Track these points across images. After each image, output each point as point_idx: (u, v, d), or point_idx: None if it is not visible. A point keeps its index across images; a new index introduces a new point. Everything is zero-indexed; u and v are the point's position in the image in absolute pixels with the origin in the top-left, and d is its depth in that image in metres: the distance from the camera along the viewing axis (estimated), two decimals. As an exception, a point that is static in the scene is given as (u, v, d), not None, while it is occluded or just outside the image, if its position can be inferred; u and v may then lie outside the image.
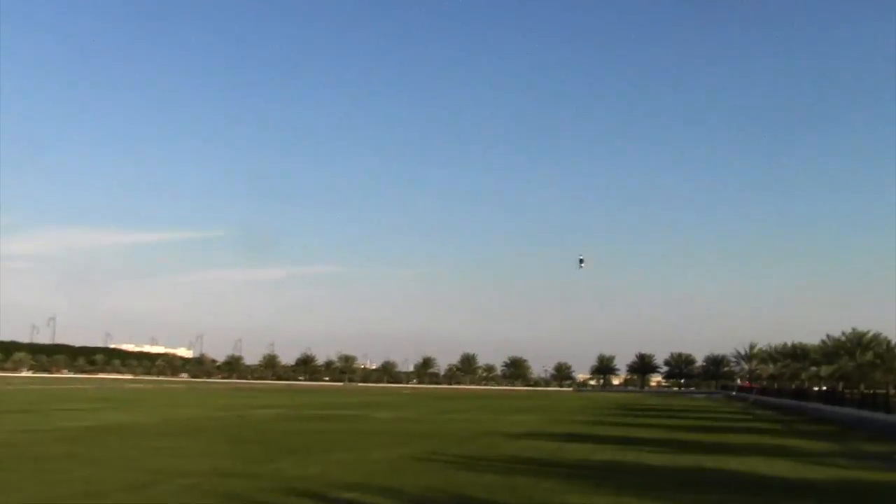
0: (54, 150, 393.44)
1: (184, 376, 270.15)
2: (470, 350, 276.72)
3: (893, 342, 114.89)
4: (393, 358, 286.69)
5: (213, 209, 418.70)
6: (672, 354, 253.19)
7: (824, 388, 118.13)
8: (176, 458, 31.53)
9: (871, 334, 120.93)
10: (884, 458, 37.37)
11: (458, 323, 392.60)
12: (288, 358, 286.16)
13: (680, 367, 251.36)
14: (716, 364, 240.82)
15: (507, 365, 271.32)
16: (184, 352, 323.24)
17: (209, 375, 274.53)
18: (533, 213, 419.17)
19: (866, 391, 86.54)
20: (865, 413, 69.32)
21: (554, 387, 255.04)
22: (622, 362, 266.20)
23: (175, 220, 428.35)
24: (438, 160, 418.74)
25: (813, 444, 45.78)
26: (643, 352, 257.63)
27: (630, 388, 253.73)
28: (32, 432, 42.67)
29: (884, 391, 79.16)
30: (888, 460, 36.72)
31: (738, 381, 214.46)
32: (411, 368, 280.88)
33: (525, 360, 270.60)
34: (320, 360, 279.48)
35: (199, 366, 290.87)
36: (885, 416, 63.50)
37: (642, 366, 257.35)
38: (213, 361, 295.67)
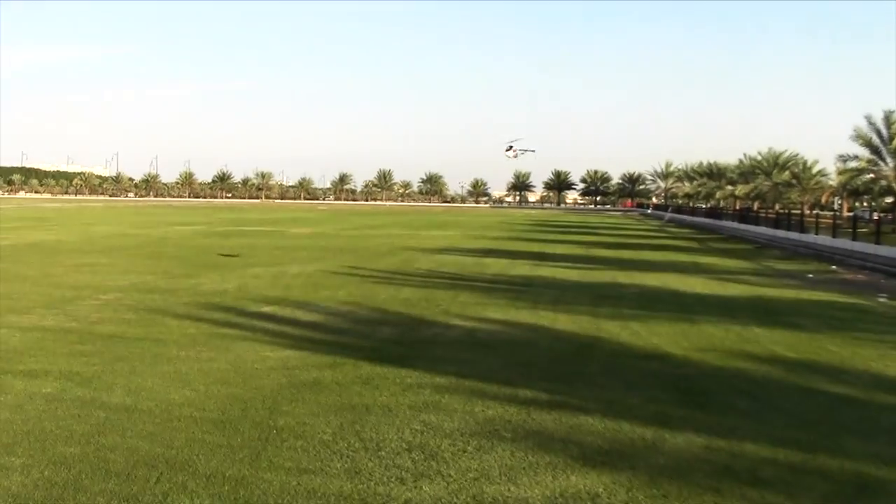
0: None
1: (102, 196, 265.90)
2: (386, 167, 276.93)
3: (809, 162, 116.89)
4: (310, 175, 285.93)
5: (123, 23, 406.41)
6: (588, 172, 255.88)
7: (740, 207, 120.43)
8: (96, 275, 31.17)
9: (787, 153, 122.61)
10: (795, 276, 38.34)
11: (374, 139, 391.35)
12: (205, 175, 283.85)
13: (596, 184, 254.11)
14: (632, 182, 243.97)
15: (423, 181, 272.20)
16: (101, 171, 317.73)
17: (126, 194, 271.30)
18: (451, 21, 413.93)
19: (781, 211, 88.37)
20: (780, 232, 71.08)
21: (470, 203, 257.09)
22: (538, 179, 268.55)
23: (84, 36, 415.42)
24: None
25: (727, 262, 46.75)
26: (559, 169, 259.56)
27: (546, 205, 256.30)
28: (-57, 247, 41.86)
29: (798, 211, 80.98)
30: (799, 278, 37.68)
31: (654, 199, 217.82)
32: (328, 185, 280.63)
33: (441, 177, 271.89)
34: (237, 177, 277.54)
35: (116, 184, 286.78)
36: (799, 235, 65.20)
37: (559, 183, 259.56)
38: (131, 180, 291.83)
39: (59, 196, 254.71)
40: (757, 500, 9.56)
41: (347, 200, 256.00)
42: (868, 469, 10.79)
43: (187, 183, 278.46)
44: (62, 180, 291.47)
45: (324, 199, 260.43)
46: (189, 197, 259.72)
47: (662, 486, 9.94)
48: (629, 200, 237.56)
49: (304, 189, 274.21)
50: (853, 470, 10.71)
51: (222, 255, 26.51)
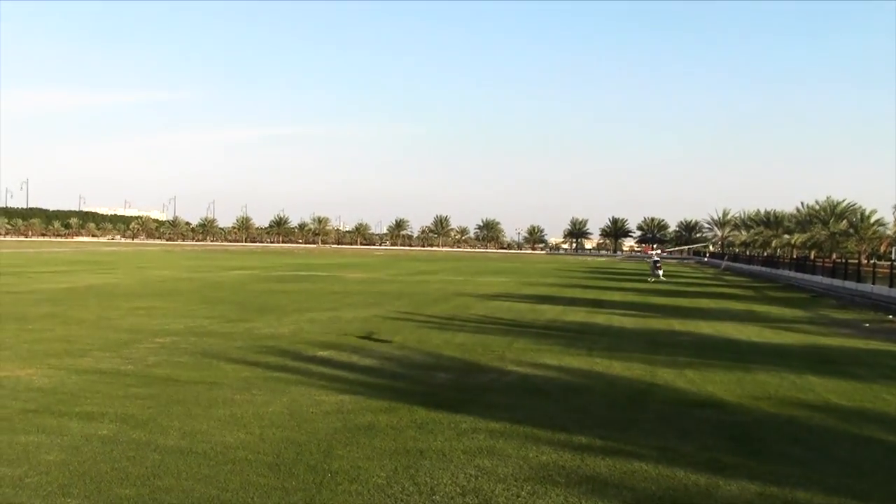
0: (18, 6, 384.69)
1: (158, 240, 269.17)
2: (443, 212, 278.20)
3: (867, 212, 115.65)
4: (366, 220, 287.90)
5: (183, 69, 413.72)
6: (645, 219, 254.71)
7: (796, 256, 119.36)
8: (152, 318, 31.68)
9: (845, 203, 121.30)
10: (851, 326, 37.95)
11: (432, 184, 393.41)
12: (261, 220, 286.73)
13: (653, 231, 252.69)
14: (688, 230, 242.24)
15: (480, 227, 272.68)
16: (157, 214, 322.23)
17: (183, 238, 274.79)
18: (509, 73, 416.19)
19: (838, 260, 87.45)
20: (836, 281, 70.30)
21: (527, 250, 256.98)
22: (595, 226, 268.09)
23: (145, 81, 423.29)
24: (419, 15, 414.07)
25: (783, 311, 46.36)
26: (616, 216, 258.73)
27: (603, 252, 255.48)
28: (13, 294, 42.67)
29: (855, 260, 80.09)
30: (855, 327, 37.30)
31: (710, 247, 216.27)
32: (384, 230, 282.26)
33: (498, 223, 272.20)
34: (294, 221, 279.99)
35: (173, 228, 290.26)
36: (856, 284, 64.40)
37: (615, 230, 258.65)
38: (188, 224, 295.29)
39: (117, 240, 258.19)
40: (809, 548, 9.55)
41: (404, 246, 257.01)
42: (921, 518, 10.75)
43: (244, 227, 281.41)
44: (119, 224, 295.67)
45: (380, 245, 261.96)
46: (245, 241, 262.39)
47: (716, 533, 9.97)
48: (648, 246, 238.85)
49: (360, 234, 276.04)
50: (906, 518, 10.67)
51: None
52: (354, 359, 22.69)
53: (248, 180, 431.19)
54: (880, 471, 12.75)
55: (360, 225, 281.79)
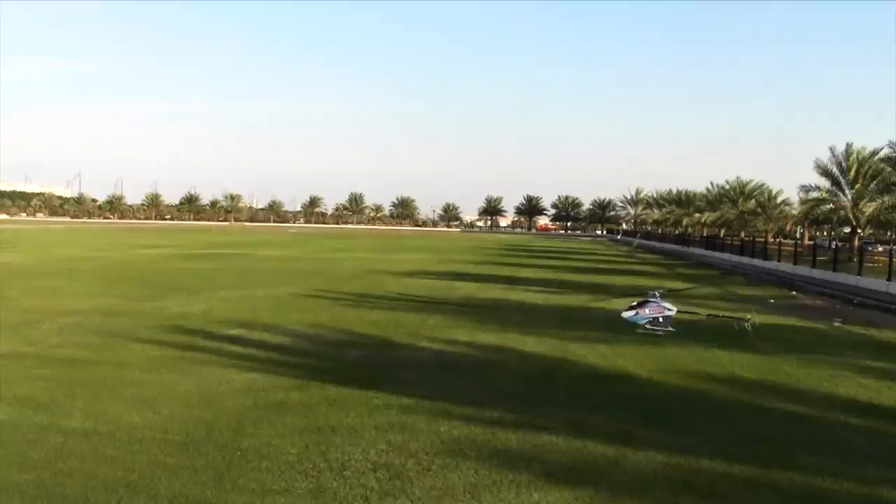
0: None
1: (63, 217, 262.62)
2: (358, 190, 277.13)
3: (774, 192, 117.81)
4: (280, 198, 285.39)
5: (90, 38, 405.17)
6: (559, 197, 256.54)
7: (707, 234, 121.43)
8: (56, 298, 31.01)
9: (753, 183, 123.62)
10: (757, 302, 38.67)
11: (346, 162, 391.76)
12: (172, 197, 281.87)
13: (567, 210, 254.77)
14: (602, 208, 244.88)
15: (395, 205, 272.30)
16: (62, 191, 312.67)
17: (90, 216, 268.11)
18: (424, 46, 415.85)
19: (746, 238, 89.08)
20: (745, 259, 72.08)
21: (442, 227, 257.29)
22: (510, 204, 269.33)
23: (47, 50, 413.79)
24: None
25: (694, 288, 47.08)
26: (531, 194, 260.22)
27: (518, 230, 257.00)
28: None
29: (762, 239, 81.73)
30: (761, 303, 38.02)
31: (624, 225, 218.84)
32: (298, 208, 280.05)
33: (413, 200, 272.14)
34: (205, 199, 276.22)
35: (78, 205, 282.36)
36: (762, 262, 66.13)
37: (530, 208, 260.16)
38: (94, 201, 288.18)
39: (17, 217, 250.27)
40: (713, 515, 9.78)
41: (318, 224, 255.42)
42: (817, 482, 11.07)
43: (153, 205, 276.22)
44: (19, 201, 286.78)
45: (294, 223, 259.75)
46: (155, 219, 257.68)
47: (623, 501, 10.15)
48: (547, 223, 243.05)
49: (273, 212, 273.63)
50: (803, 483, 10.98)
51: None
52: (266, 337, 22.52)
53: (157, 157, 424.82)
54: (781, 439, 13.07)
55: (274, 202, 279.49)
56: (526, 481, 10.76)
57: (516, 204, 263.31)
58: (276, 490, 10.26)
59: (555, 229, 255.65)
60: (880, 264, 47.38)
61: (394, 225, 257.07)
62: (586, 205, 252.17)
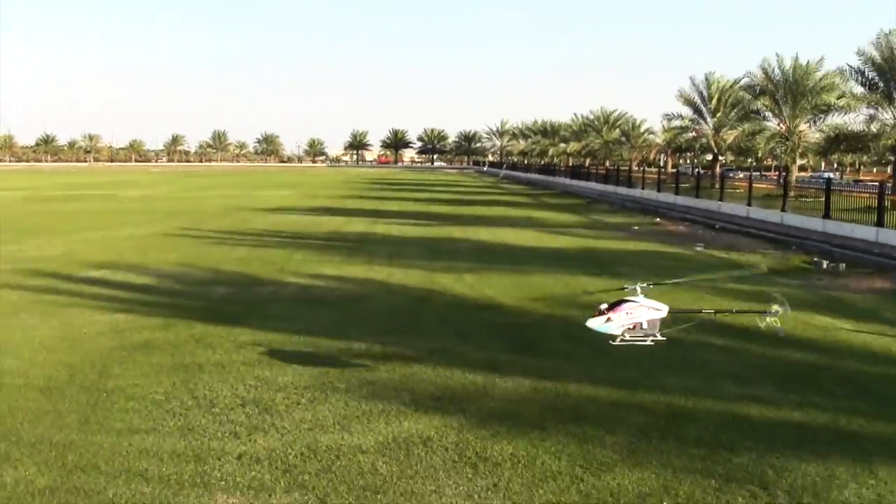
0: None
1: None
2: (221, 127, 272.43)
3: (638, 121, 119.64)
4: (141, 137, 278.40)
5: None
6: (425, 130, 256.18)
7: (572, 164, 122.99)
8: None
9: (617, 112, 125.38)
10: (622, 229, 39.55)
11: (209, 98, 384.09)
12: (27, 139, 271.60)
13: (433, 142, 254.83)
14: (468, 140, 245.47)
15: (259, 141, 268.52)
16: None
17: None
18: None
19: (611, 167, 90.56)
20: (609, 187, 73.36)
21: (307, 163, 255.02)
22: (375, 138, 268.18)
23: None
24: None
25: (559, 216, 47.88)
26: (397, 127, 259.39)
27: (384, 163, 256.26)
28: None
29: (627, 167, 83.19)
30: (626, 230, 38.89)
31: (490, 156, 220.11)
32: (161, 147, 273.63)
33: (277, 137, 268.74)
34: (63, 140, 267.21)
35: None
36: (627, 190, 67.43)
37: (396, 142, 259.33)
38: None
39: None
40: (579, 435, 10.01)
41: (181, 162, 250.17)
42: (680, 401, 11.42)
43: (7, 146, 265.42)
44: None
45: (156, 162, 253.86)
46: (10, 161, 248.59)
47: (492, 426, 10.29)
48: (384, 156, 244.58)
49: (135, 151, 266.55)
50: (667, 402, 11.32)
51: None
52: (130, 277, 22.07)
53: (8, 96, 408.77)
54: (645, 362, 13.39)
55: (135, 142, 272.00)
56: (395, 411, 10.83)
57: (382, 138, 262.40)
58: (144, 430, 10.10)
59: (421, 162, 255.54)
60: (741, 190, 48.66)
61: (259, 162, 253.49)
62: (452, 137, 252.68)
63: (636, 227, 40.35)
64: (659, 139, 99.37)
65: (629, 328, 11.34)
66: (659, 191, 60.69)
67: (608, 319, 11.25)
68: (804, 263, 27.17)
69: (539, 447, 9.61)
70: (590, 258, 27.41)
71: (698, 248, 31.24)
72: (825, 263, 26.41)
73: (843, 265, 26.09)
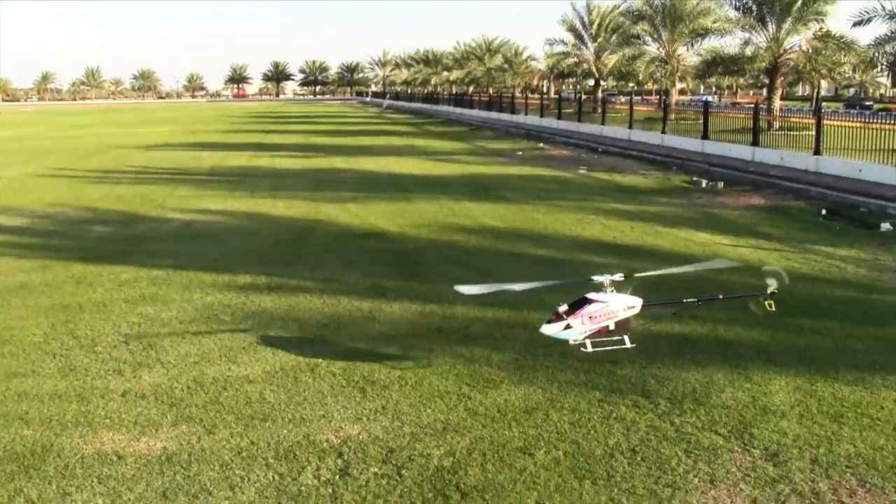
0: None
1: None
2: (94, 63, 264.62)
3: (521, 48, 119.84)
4: (6, 75, 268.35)
5: None
6: (307, 62, 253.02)
7: (455, 92, 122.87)
8: None
9: (499, 40, 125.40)
10: (506, 154, 39.78)
11: (80, 33, 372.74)
12: None
13: (315, 74, 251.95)
14: (350, 71, 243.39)
15: (136, 77, 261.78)
16: None
17: None
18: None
19: (494, 94, 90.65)
20: (493, 114, 73.56)
21: (187, 99, 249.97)
22: (256, 71, 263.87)
23: None
24: None
25: (442, 144, 47.82)
26: (277, 60, 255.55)
27: (265, 97, 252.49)
28: None
29: (510, 94, 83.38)
30: (509, 156, 39.12)
31: (373, 87, 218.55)
32: (31, 85, 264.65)
33: (155, 72, 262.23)
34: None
35: None
36: (510, 116, 67.67)
37: (277, 74, 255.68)
38: None
39: None
40: (466, 354, 10.12)
41: (53, 101, 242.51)
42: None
43: None
44: None
45: (26, 101, 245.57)
46: None
47: (379, 349, 10.36)
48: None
49: (1, 91, 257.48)
50: (552, 319, 11.48)
51: None
52: (1, 220, 21.40)
53: None
54: (529, 280, 13.56)
55: (1, 80, 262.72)
56: (282, 340, 10.80)
57: (263, 71, 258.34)
58: (23, 373, 9.86)
59: (304, 95, 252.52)
60: (622, 114, 49.20)
61: (136, 99, 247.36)
62: (334, 69, 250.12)
63: (520, 153, 40.59)
64: (542, 66, 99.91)
65: (593, 333, 9.19)
66: (542, 116, 61.06)
67: (567, 326, 9.05)
68: (684, 183, 27.71)
69: (426, 368, 9.68)
70: (474, 184, 27.52)
71: (581, 171, 31.61)
72: (704, 182, 26.98)
73: (721, 184, 26.68)
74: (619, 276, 9.48)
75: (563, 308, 9.12)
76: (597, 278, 9.45)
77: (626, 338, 9.24)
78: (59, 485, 7.08)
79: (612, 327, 9.16)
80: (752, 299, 9.98)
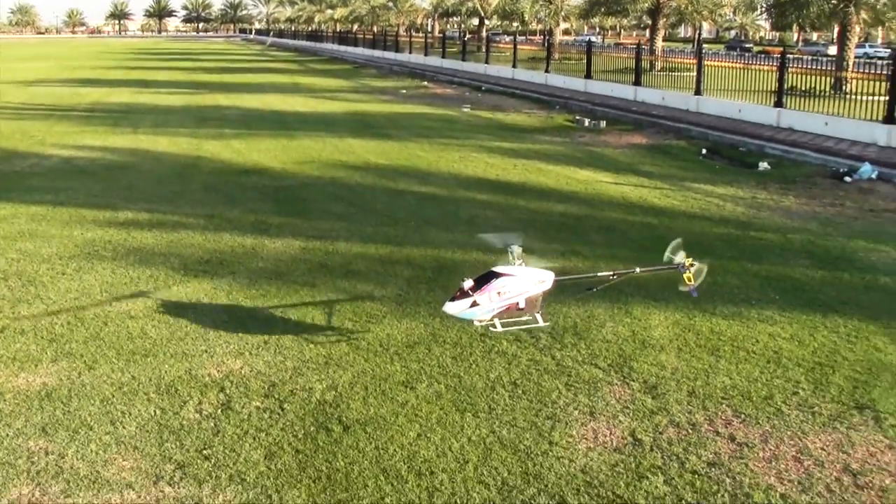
0: None
1: None
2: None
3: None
4: None
5: None
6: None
7: (339, 30, 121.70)
8: None
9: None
10: (390, 93, 39.65)
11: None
12: None
13: (198, 11, 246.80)
14: (234, 8, 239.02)
15: (13, 12, 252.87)
16: None
17: None
18: None
19: (379, 33, 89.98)
20: (377, 53, 73.22)
21: (67, 34, 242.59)
22: (138, 7, 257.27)
23: None
24: None
25: (327, 82, 47.42)
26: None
27: (148, 34, 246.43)
28: None
29: (394, 33, 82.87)
30: (393, 94, 39.03)
31: (257, 24, 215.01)
32: None
33: (33, 7, 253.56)
34: None
35: None
36: (395, 55, 67.50)
37: (159, 10, 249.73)
38: None
39: None
40: (349, 290, 10.20)
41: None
42: (446, 254, 11.75)
43: None
44: None
45: None
46: None
47: (262, 286, 10.32)
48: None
49: None
50: (434, 256, 11.62)
51: None
52: None
53: None
54: (412, 218, 13.70)
55: None
56: (163, 276, 10.70)
57: (146, 7, 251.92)
58: None
59: (186, 31, 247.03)
60: (506, 53, 49.34)
61: (14, 34, 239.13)
62: (218, 5, 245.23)
63: (404, 91, 40.49)
64: (426, 4, 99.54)
65: (501, 311, 8.09)
66: (426, 55, 60.89)
67: (473, 304, 7.92)
68: (567, 122, 28.06)
69: (309, 304, 9.71)
70: (358, 121, 27.44)
71: (465, 109, 31.73)
72: (587, 121, 27.35)
73: (604, 123, 27.07)
74: (517, 243, 8.39)
75: (468, 284, 8.00)
76: (505, 242, 8.52)
77: (538, 316, 8.32)
78: (-67, 420, 6.97)
79: (521, 304, 8.16)
80: (670, 269, 8.85)
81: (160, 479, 6.14)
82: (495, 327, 8.10)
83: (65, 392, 7.46)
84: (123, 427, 6.87)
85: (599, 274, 8.96)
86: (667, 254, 8.77)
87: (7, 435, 6.74)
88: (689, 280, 8.66)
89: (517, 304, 8.08)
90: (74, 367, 8.01)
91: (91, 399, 7.34)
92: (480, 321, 8.09)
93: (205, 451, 6.51)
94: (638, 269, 8.90)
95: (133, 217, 13.95)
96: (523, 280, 8.07)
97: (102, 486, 6.04)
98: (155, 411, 7.13)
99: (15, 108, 32.32)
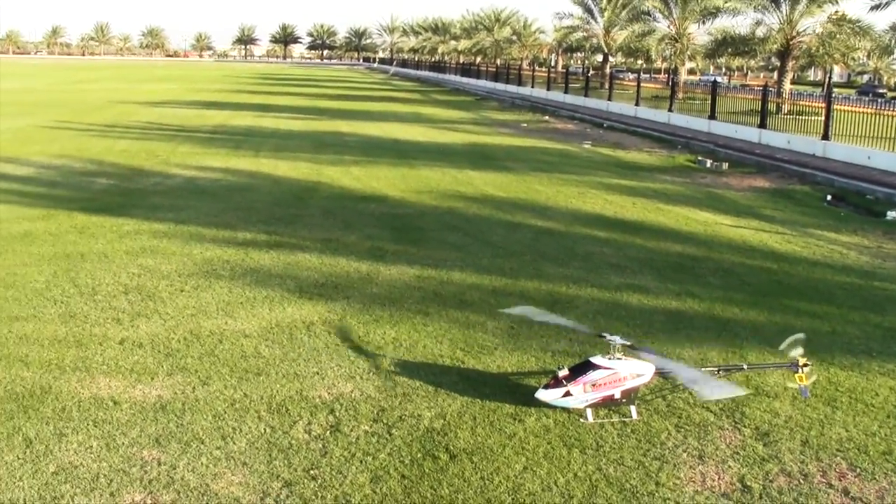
0: None
1: None
2: (104, 19, 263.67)
3: (530, 20, 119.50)
4: (17, 26, 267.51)
5: None
6: (315, 26, 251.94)
7: (462, 61, 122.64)
8: None
9: (508, 10, 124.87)
10: (511, 126, 39.78)
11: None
12: None
13: (323, 38, 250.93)
14: (358, 36, 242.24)
15: (144, 34, 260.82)
16: None
17: None
18: None
19: (501, 66, 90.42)
20: (500, 85, 73.44)
21: (194, 57, 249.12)
22: (264, 33, 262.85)
23: None
24: None
25: (448, 113, 47.76)
26: (286, 22, 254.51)
27: (273, 59, 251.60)
28: None
29: (517, 67, 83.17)
30: (514, 127, 39.12)
31: (381, 53, 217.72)
32: (40, 39, 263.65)
33: (163, 30, 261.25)
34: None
35: None
36: (517, 88, 67.61)
37: (285, 37, 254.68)
38: None
39: None
40: (461, 321, 10.20)
41: (63, 55, 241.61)
42: (560, 288, 11.68)
43: None
44: None
45: (35, 55, 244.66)
46: None
47: (374, 311, 10.41)
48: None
49: (11, 43, 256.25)
50: (549, 290, 11.56)
51: None
52: (8, 169, 21.50)
53: None
54: (528, 252, 13.66)
55: (11, 32, 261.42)
56: (279, 297, 10.88)
57: (272, 32, 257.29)
58: (24, 317, 9.97)
59: (311, 58, 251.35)
60: (630, 90, 49.13)
61: (144, 56, 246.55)
62: (342, 33, 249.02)
63: (524, 125, 40.58)
64: (550, 39, 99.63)
65: (595, 403, 7.90)
66: (549, 90, 60.93)
67: (567, 393, 7.77)
68: (689, 162, 27.72)
69: (422, 332, 9.78)
70: (477, 153, 27.55)
71: (585, 145, 31.62)
72: (709, 162, 26.98)
73: (726, 164, 26.68)
74: (627, 342, 8.25)
75: (562, 372, 7.91)
76: (607, 336, 8.28)
77: (633, 409, 8.05)
78: (56, 426, 7.20)
79: (617, 396, 7.96)
80: (787, 372, 8.51)
81: (267, 495, 6.24)
82: (586, 418, 7.81)
83: (179, 405, 7.65)
84: (234, 443, 7.01)
85: (703, 369, 8.43)
86: (784, 345, 8.55)
87: (123, 444, 6.93)
88: (802, 380, 8.31)
89: (612, 395, 7.90)
90: (189, 381, 8.20)
91: (203, 413, 7.50)
92: (572, 410, 7.86)
93: (312, 472, 6.60)
94: (746, 367, 8.63)
95: (251, 238, 14.24)
96: (621, 373, 7.93)
97: (211, 499, 6.18)
98: (265, 429, 7.25)
99: (142, 127, 33.30)
